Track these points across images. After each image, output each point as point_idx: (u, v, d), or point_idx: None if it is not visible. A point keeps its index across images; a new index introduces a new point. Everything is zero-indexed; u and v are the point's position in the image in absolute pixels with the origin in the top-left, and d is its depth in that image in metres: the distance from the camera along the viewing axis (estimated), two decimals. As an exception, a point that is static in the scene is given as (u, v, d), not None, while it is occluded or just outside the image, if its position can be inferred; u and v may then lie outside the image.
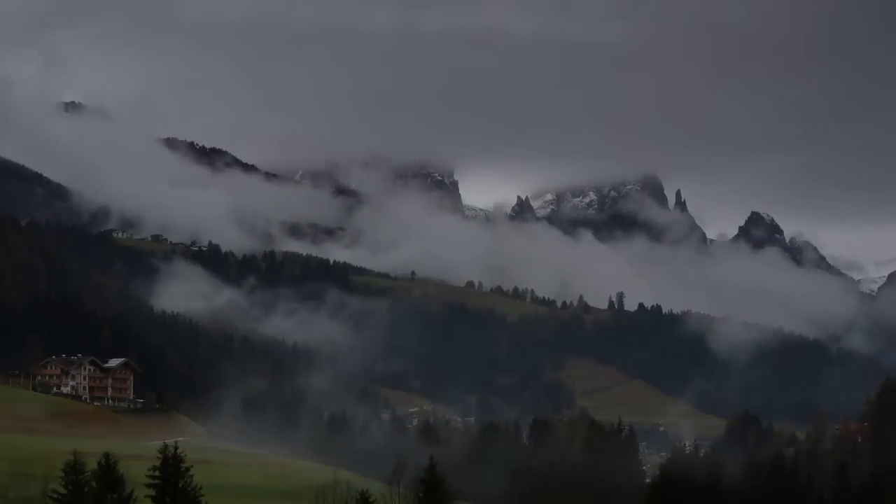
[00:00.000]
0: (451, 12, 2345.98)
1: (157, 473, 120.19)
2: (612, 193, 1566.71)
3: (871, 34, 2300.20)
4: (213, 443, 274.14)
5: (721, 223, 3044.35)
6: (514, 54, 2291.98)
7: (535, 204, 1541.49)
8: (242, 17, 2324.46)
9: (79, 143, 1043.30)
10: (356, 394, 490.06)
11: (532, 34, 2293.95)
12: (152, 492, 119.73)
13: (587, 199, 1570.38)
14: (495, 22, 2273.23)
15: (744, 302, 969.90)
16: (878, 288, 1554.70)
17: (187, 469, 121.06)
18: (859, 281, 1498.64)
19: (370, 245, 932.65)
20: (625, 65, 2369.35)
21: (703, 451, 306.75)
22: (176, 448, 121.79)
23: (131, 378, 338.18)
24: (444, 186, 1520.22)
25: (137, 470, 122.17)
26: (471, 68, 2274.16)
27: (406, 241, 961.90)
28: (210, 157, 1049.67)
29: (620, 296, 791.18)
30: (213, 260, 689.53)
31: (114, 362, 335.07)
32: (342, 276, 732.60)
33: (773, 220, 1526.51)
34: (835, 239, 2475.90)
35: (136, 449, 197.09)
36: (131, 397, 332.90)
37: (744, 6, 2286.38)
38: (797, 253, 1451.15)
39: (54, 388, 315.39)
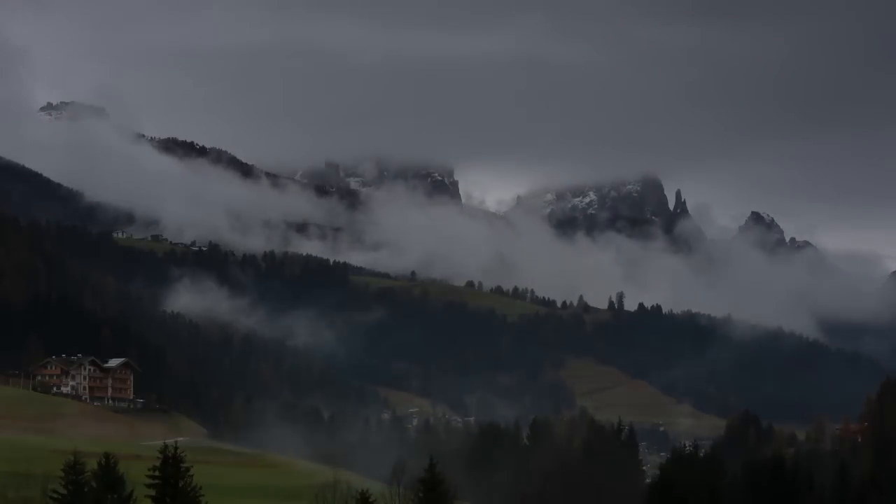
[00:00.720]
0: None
1: (157, 473, 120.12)
2: (613, 193, 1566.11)
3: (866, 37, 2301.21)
4: (213, 443, 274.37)
5: (721, 223, 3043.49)
6: (514, 59, 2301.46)
7: (535, 204, 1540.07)
8: (233, 35, 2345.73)
9: (77, 143, 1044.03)
10: (356, 394, 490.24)
11: (530, 43, 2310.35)
12: (152, 492, 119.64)
13: (587, 199, 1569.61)
14: (485, 40, 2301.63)
15: (744, 302, 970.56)
16: (878, 288, 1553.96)
17: (187, 469, 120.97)
18: (859, 281, 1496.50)
19: (370, 245, 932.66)
20: (625, 67, 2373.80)
21: (703, 451, 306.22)
22: (176, 448, 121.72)
23: (131, 378, 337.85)
24: (444, 186, 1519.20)
25: (137, 470, 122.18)
26: (470, 72, 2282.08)
27: (406, 241, 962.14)
28: (210, 156, 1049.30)
29: (620, 296, 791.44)
30: (213, 260, 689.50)
31: (114, 362, 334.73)
32: (342, 276, 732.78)
33: (773, 219, 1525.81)
34: (835, 239, 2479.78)
35: (136, 449, 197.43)
36: (131, 397, 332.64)
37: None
38: (797, 253, 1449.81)
39: (54, 388, 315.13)
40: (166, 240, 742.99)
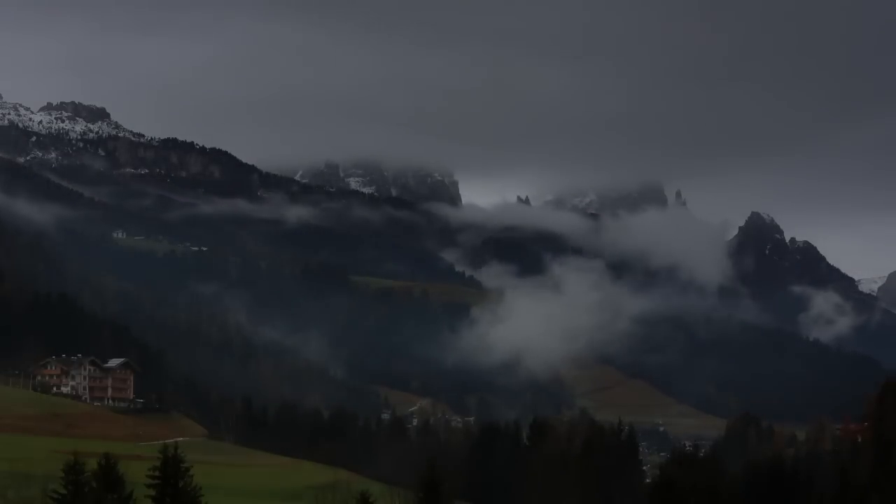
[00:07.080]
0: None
1: (157, 473, 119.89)
2: (613, 194, 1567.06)
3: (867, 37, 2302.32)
4: (213, 443, 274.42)
5: (721, 223, 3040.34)
6: (514, 59, 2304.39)
7: (535, 204, 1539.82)
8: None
9: (77, 143, 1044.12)
10: (356, 394, 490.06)
11: (531, 41, 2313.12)
12: (152, 492, 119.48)
13: (587, 200, 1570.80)
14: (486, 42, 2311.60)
15: (744, 302, 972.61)
16: (878, 287, 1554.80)
17: (187, 469, 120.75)
18: (859, 281, 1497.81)
19: (369, 245, 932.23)
20: (624, 66, 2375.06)
21: (703, 451, 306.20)
22: (176, 448, 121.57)
23: (131, 378, 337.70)
24: (443, 187, 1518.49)
25: (137, 470, 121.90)
26: (471, 71, 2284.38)
27: (405, 241, 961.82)
28: (209, 157, 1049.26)
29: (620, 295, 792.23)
30: (213, 260, 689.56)
31: (114, 362, 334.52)
32: (342, 277, 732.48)
33: (773, 219, 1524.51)
34: (835, 239, 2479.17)
35: (136, 449, 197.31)
36: (131, 397, 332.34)
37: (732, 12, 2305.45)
38: (797, 253, 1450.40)
39: (54, 388, 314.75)
40: (166, 240, 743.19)
